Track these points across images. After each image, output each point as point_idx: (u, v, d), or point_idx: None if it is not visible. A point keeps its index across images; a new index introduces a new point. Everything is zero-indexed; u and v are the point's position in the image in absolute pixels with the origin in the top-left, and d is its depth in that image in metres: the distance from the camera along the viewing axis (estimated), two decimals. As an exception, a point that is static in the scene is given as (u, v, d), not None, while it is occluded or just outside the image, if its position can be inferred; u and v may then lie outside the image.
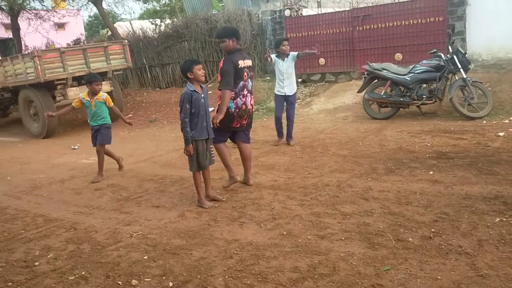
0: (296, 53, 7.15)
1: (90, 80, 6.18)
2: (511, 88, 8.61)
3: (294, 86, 7.28)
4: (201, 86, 4.59)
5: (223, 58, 4.93)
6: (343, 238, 3.57)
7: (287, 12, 12.33)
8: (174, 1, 18.70)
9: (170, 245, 3.77)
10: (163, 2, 19.35)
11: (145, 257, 3.59)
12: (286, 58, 7.01)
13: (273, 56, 7.16)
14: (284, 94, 7.12)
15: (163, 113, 12.14)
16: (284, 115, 7.33)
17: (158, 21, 15.70)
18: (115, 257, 3.65)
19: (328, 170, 5.60)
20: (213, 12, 15.61)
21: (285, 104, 7.29)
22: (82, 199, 5.43)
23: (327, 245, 3.48)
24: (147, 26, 15.79)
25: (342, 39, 11.59)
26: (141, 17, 24.71)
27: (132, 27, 16.16)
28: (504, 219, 3.58)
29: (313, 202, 4.50)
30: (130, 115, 12.18)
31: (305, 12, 12.80)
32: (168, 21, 15.62)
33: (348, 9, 11.86)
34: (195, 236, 3.92)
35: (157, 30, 15.25)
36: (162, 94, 14.29)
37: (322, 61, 11.85)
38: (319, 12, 12.24)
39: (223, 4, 17.81)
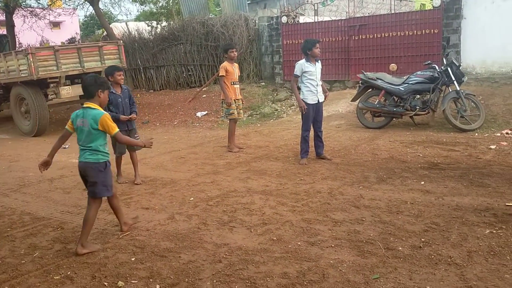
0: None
1: None
2: (503, 101, 8.68)
3: None
4: (121, 87, 5.75)
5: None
6: (333, 245, 3.55)
7: (284, 19, 12.36)
8: (171, 4, 18.69)
9: (159, 247, 3.73)
10: (160, 4, 19.33)
11: (133, 259, 3.54)
12: (316, 63, 6.30)
13: (300, 63, 6.26)
14: (317, 102, 6.32)
15: (156, 115, 12.08)
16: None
17: (154, 23, 15.68)
18: (101, 258, 3.59)
19: (320, 177, 5.59)
20: (210, 16, 15.62)
21: None
22: (71, 199, 5.37)
23: (317, 251, 3.45)
24: (143, 27, 15.77)
25: (338, 48, 11.64)
26: (138, 19, 24.65)
27: (128, 28, 16.13)
28: (494, 231, 3.58)
29: (304, 208, 4.48)
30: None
31: (301, 19, 12.86)
32: (164, 23, 15.61)
33: (344, 18, 11.94)
34: (184, 239, 3.87)
35: (153, 32, 15.23)
36: (156, 96, 14.24)
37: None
38: (316, 20, 12.30)
39: (220, 8, 17.83)
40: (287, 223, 4.09)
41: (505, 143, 6.66)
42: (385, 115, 8.46)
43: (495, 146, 6.54)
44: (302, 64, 6.25)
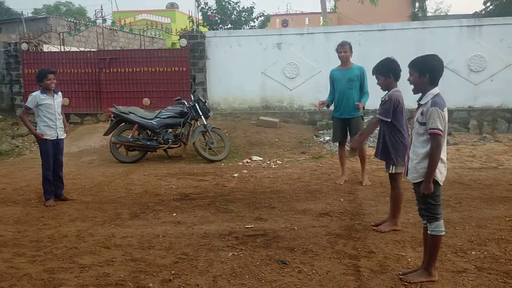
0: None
1: None
2: (244, 134, 9.80)
3: None
4: None
5: None
6: (78, 295, 3.22)
7: (24, 46, 11.21)
8: None
9: None
10: None
11: None
12: (55, 95, 5.80)
13: (35, 94, 5.69)
14: (56, 138, 5.81)
15: None
16: None
17: None
18: None
19: (67, 219, 5.10)
20: None
21: None
22: None
23: (59, 305, 3.07)
24: None
25: (88, 80, 11.20)
26: None
27: None
28: (236, 253, 3.88)
29: (47, 256, 3.97)
30: None
31: (46, 48, 11.88)
32: None
33: (94, 50, 11.59)
34: None
35: None
36: None
37: (66, 100, 11.09)
38: (63, 50, 11.54)
39: None
40: (24, 277, 3.54)
41: (245, 171, 7.47)
42: (140, 149, 8.47)
43: (237, 174, 7.25)
44: (36, 96, 5.67)
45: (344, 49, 6.18)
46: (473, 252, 3.78)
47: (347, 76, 6.21)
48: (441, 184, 3.21)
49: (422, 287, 3.16)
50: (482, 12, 21.06)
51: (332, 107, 6.56)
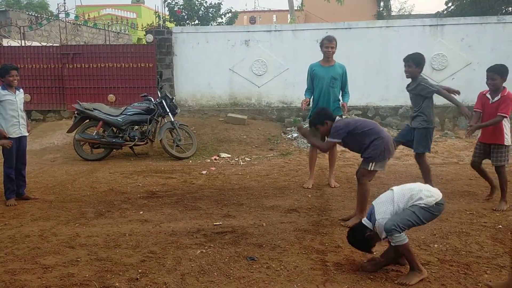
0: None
1: None
2: (212, 131, 9.75)
3: None
4: None
5: None
6: (41, 296, 3.12)
7: (-18, 40, 10.78)
8: None
9: None
10: None
11: None
12: (17, 92, 5.62)
13: None
14: (20, 135, 5.63)
15: None
16: None
17: None
18: None
19: (30, 218, 4.94)
20: None
21: None
22: None
23: (21, 308, 2.97)
24: None
25: (51, 76, 10.89)
26: None
27: None
28: (204, 250, 3.85)
29: (9, 257, 3.84)
30: None
31: (5, 42, 11.47)
32: None
33: (57, 45, 11.25)
34: None
35: None
36: None
37: (27, 97, 10.73)
38: (23, 45, 11.15)
39: None
40: (-17, 280, 3.40)
41: (214, 168, 7.43)
42: (105, 146, 8.29)
43: (206, 171, 7.21)
44: None
45: (331, 45, 6.00)
46: (435, 245, 3.90)
47: (330, 74, 6.00)
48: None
49: (387, 280, 3.23)
50: (444, 12, 21.69)
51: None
